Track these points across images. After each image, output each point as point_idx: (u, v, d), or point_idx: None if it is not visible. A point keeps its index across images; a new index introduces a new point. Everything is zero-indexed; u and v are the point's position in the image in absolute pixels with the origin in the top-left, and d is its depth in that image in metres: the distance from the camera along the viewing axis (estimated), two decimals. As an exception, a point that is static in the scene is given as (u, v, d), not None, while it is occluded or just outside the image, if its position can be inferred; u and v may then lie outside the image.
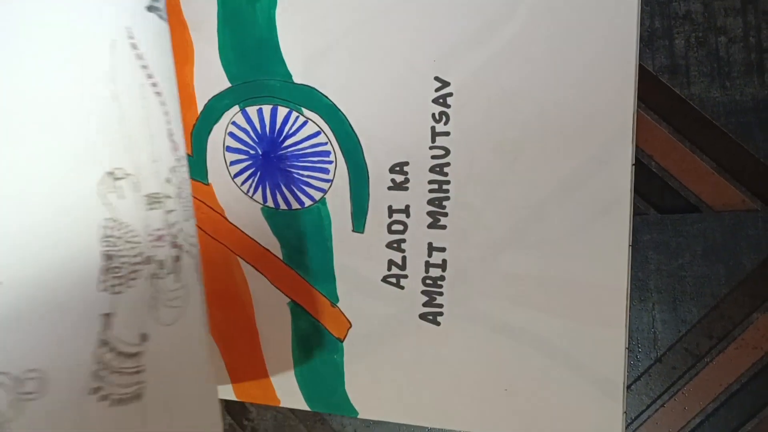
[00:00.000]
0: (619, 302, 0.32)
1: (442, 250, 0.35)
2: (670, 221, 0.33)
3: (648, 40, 0.33)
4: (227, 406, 0.42)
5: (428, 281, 0.35)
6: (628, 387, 0.34)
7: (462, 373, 0.35)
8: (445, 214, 0.35)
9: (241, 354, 0.39)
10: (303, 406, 0.38)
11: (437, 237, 0.35)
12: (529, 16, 0.33)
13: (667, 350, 0.34)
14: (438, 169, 0.35)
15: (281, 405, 0.39)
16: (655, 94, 0.33)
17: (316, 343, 0.37)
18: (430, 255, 0.35)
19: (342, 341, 0.37)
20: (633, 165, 0.32)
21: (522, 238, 0.34)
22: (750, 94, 0.32)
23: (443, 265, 0.35)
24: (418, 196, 0.35)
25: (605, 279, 0.32)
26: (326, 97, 0.37)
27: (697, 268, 0.33)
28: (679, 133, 0.33)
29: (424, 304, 0.35)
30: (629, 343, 0.34)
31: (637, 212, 0.34)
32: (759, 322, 0.33)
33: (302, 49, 0.37)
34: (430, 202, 0.35)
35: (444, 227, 0.35)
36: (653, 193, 0.34)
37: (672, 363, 0.34)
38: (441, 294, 0.35)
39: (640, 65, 0.33)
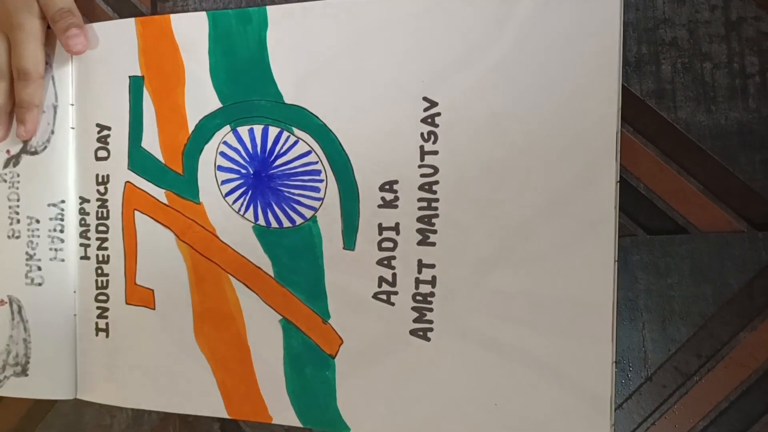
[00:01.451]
0: (605, 318, 0.33)
1: (432, 266, 0.35)
2: (659, 242, 0.34)
3: (635, 66, 0.34)
4: (222, 425, 0.42)
5: (418, 297, 0.36)
6: (620, 406, 0.35)
7: (452, 388, 0.35)
8: (435, 231, 0.35)
9: (232, 371, 0.39)
10: (295, 422, 0.38)
11: (427, 254, 0.36)
12: (514, 38, 0.34)
13: (657, 369, 0.34)
14: (427, 187, 0.35)
15: (273, 422, 0.39)
16: (642, 118, 0.34)
17: (307, 359, 0.38)
18: (419, 271, 0.36)
19: (334, 358, 0.37)
20: (617, 182, 0.32)
21: (510, 256, 0.34)
22: (734, 118, 0.33)
23: (433, 282, 0.35)
24: (407, 213, 0.36)
25: (592, 295, 0.33)
26: (317, 117, 0.37)
27: (686, 288, 0.34)
28: (666, 156, 0.34)
29: (415, 320, 0.36)
30: (620, 363, 0.34)
31: (625, 233, 0.34)
32: (746, 340, 0.33)
33: (293, 70, 0.37)
34: (420, 219, 0.36)
35: (433, 244, 0.35)
36: (641, 214, 0.35)
37: (662, 381, 0.34)
38: (431, 310, 0.36)
39: (628, 90, 0.34)
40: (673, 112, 0.34)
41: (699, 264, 0.34)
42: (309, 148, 0.37)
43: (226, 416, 0.40)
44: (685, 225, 0.34)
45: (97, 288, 0.42)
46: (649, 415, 0.35)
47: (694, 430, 0.34)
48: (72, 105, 0.42)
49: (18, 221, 0.43)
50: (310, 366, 0.38)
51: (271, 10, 0.38)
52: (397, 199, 0.36)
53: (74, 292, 0.43)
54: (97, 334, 0.42)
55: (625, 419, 0.35)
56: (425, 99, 0.35)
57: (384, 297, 0.36)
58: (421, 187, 0.35)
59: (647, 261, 0.34)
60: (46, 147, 0.42)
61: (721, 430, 0.34)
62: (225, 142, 0.39)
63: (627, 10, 0.34)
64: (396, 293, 0.36)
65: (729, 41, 0.33)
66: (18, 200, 0.43)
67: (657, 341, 0.34)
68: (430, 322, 0.36)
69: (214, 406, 0.40)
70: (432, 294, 0.36)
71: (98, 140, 0.41)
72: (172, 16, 0.40)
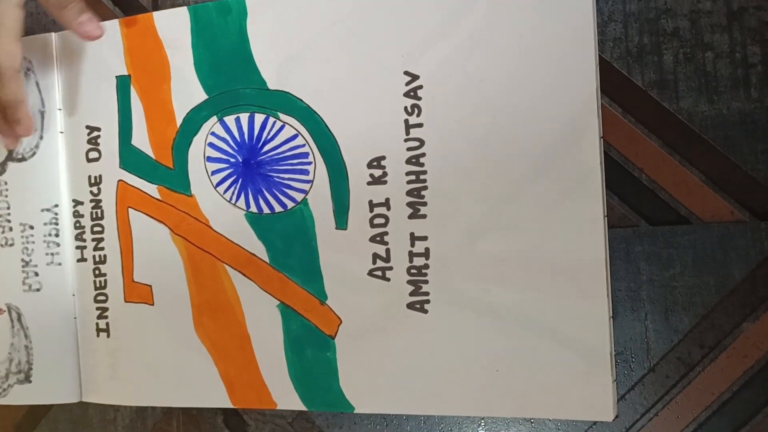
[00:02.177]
0: (599, 273, 0.33)
1: (424, 238, 0.36)
2: (661, 233, 0.34)
3: (637, 56, 0.34)
4: (225, 418, 0.42)
5: (413, 270, 0.36)
6: (622, 396, 0.35)
7: (453, 358, 0.35)
8: (425, 204, 0.36)
9: (234, 360, 0.39)
10: (299, 406, 0.38)
11: (418, 226, 0.36)
12: (489, 4, 0.34)
13: (660, 360, 0.34)
14: (414, 160, 0.36)
15: (278, 408, 0.39)
16: (644, 108, 0.34)
17: (308, 342, 0.38)
18: (412, 245, 0.36)
19: (333, 338, 0.37)
20: (601, 138, 0.33)
21: (500, 221, 0.34)
22: (736, 108, 0.33)
23: (426, 254, 0.36)
24: (396, 188, 0.36)
25: (584, 252, 0.33)
26: (301, 100, 0.38)
27: (688, 279, 0.34)
28: (668, 147, 0.34)
29: (411, 294, 0.36)
30: (622, 353, 0.34)
31: (628, 224, 0.34)
32: (749, 330, 0.33)
33: (274, 56, 0.38)
34: (409, 193, 0.36)
35: (424, 216, 0.36)
36: (644, 205, 0.35)
37: (665, 372, 0.34)
38: (426, 282, 0.36)
39: (629, 80, 0.34)
40: (675, 102, 0.34)
41: (701, 254, 0.34)
42: (295, 132, 0.38)
43: (231, 406, 0.40)
44: (688, 215, 0.34)
45: (96, 289, 0.42)
46: (652, 406, 0.34)
47: (696, 421, 0.34)
48: (60, 110, 0.43)
49: (10, 229, 0.43)
50: (311, 348, 0.38)
51: (249, -2, 0.38)
52: (385, 174, 0.36)
53: (73, 295, 0.43)
54: (98, 335, 0.42)
55: (628, 410, 0.35)
56: (406, 73, 0.36)
57: (379, 273, 0.37)
58: (408, 161, 0.36)
59: (650, 252, 0.34)
60: (34, 153, 0.43)
61: (724, 421, 0.34)
62: (213, 133, 0.39)
63: (629, 1, 0.34)
64: (391, 269, 0.36)
65: (731, 31, 0.33)
66: (8, 208, 0.43)
67: (660, 332, 0.34)
68: (426, 294, 0.36)
69: (219, 397, 0.40)
70: (426, 266, 0.36)
71: (89, 142, 0.42)
72: (154, 13, 0.40)
